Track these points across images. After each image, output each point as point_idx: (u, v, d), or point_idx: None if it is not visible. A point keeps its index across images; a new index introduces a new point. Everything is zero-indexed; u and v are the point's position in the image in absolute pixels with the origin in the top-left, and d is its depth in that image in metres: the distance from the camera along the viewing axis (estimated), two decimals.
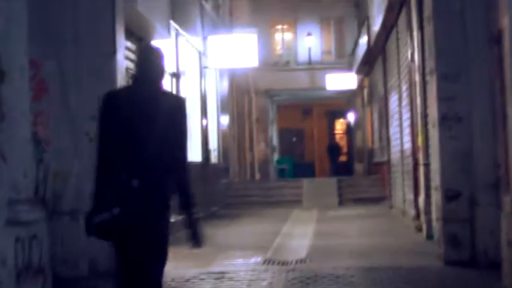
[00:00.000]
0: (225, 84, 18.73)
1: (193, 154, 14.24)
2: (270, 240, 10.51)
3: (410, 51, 11.12)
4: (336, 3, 29.68)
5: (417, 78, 10.21)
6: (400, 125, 13.07)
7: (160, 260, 3.93)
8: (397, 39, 12.90)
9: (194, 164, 14.03)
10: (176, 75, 12.67)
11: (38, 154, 7.02)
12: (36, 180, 6.96)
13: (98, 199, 3.83)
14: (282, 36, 30.70)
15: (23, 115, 6.17)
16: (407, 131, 12.17)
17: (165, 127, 3.84)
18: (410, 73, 11.39)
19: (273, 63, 29.48)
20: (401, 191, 13.25)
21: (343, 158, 32.12)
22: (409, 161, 11.89)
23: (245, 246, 10.07)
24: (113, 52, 7.52)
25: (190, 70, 14.27)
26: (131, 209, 3.71)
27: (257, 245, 10.13)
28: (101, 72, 7.51)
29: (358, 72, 21.72)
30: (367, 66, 19.50)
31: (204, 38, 15.08)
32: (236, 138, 21.56)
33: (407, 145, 12.13)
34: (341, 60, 29.07)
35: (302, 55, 30.08)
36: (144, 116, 3.80)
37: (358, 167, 27.33)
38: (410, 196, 12.04)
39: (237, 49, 15.29)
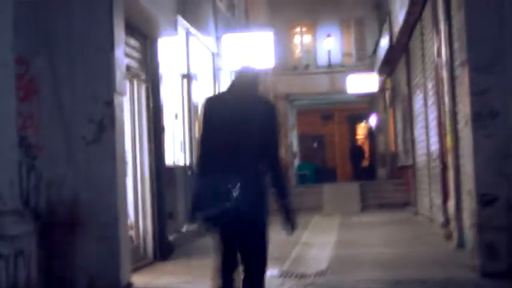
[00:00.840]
0: None
1: None
2: (287, 250, 9.79)
3: (436, 45, 10.37)
4: (356, 4, 28.91)
5: (445, 73, 9.44)
6: (426, 125, 12.29)
7: (264, 240, 4.57)
8: (422, 34, 12.13)
9: None
10: (188, 77, 12.00)
11: (28, 161, 6.38)
12: (27, 189, 6.31)
13: (201, 195, 4.40)
14: (301, 38, 30.05)
15: (7, 118, 5.54)
16: (434, 131, 11.39)
17: (261, 130, 4.39)
18: (436, 69, 10.62)
19: (292, 67, 28.81)
20: (428, 196, 12.46)
21: (365, 163, 31.35)
22: (437, 163, 11.11)
23: None
24: (111, 48, 6.87)
25: (203, 72, 13.61)
26: (236, 203, 4.26)
27: (273, 255, 9.27)
28: (97, 70, 6.87)
29: (380, 72, 20.93)
30: (389, 66, 18.70)
31: (218, 39, 14.40)
32: None
33: (434, 147, 11.35)
34: (362, 62, 28.33)
35: (322, 58, 29.32)
36: (242, 120, 4.36)
37: (381, 172, 26.51)
38: (438, 201, 11.25)
39: (253, 49, 14.58)
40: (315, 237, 11.61)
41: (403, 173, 17.59)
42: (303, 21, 29.81)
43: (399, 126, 18.23)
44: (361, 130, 34.50)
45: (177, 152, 11.39)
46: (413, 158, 14.76)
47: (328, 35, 28.65)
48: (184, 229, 10.83)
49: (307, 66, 29.16)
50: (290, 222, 4.72)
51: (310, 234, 11.98)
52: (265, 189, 4.49)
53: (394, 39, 14.67)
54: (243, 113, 4.42)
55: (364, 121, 33.16)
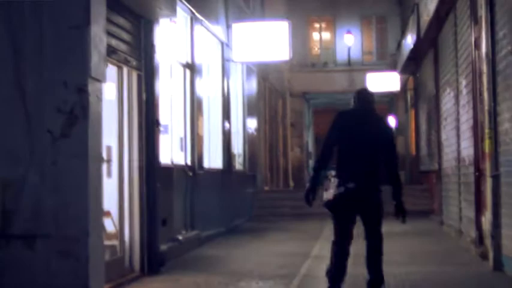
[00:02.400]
0: (253, 83, 16.82)
1: (212, 160, 12.34)
2: (297, 265, 8.57)
3: (474, 36, 9.06)
4: (378, 0, 27.66)
5: (484, 68, 8.13)
6: (457, 127, 10.97)
7: (379, 213, 6.21)
8: (455, 25, 10.80)
9: (212, 171, 12.13)
10: (191, 67, 10.76)
11: None
12: None
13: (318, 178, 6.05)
14: (319, 35, 28.90)
15: None
16: (467, 134, 10.07)
17: (380, 139, 6.01)
18: (473, 63, 9.31)
19: (310, 64, 27.66)
20: (457, 207, 11.13)
21: None
22: (470, 171, 9.80)
23: (265, 273, 8.11)
24: (86, 23, 5.65)
25: (210, 63, 12.38)
26: (359, 186, 5.90)
27: (280, 271, 8.19)
28: (69, 50, 5.66)
29: (403, 70, 19.59)
30: (413, 64, 17.36)
31: (228, 27, 13.16)
32: (267, 144, 19.71)
33: (467, 152, 10.03)
34: (383, 61, 27.17)
35: (341, 55, 28.19)
36: (366, 131, 5.98)
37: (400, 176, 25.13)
38: (469, 214, 9.95)
39: (267, 40, 13.31)
40: (328, 249, 10.30)
41: (425, 178, 16.23)
42: (322, 16, 28.71)
43: (423, 128, 16.88)
44: None
45: (176, 150, 10.17)
46: (439, 163, 13.43)
47: (348, 32, 27.40)
48: (181, 237, 9.61)
49: (325, 64, 28.03)
50: (402, 213, 6.17)
51: (322, 246, 10.68)
52: (380, 182, 6.04)
53: (422, 33, 13.32)
54: (367, 126, 5.99)
55: None
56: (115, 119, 7.51)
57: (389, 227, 13.68)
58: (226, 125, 13.25)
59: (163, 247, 8.66)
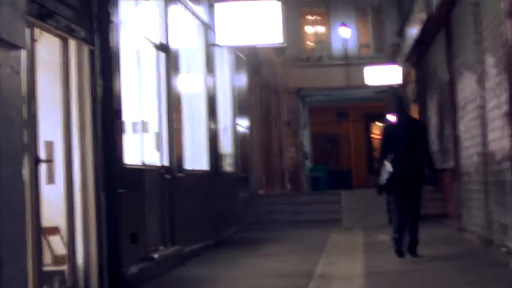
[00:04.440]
0: (243, 78, 15.11)
1: (195, 161, 10.61)
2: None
3: (506, 2, 7.38)
4: None
5: None
6: (482, 116, 9.27)
7: (421, 195, 8.72)
8: None
9: (196, 174, 10.40)
10: (165, 49, 9.02)
11: None
12: None
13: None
14: (313, 28, 27.38)
15: None
16: (497, 123, 8.37)
17: (417, 137, 8.73)
18: (505, 36, 7.62)
19: (304, 59, 26.16)
20: (483, 210, 9.42)
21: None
22: (502, 167, 8.10)
23: None
24: None
25: (190, 48, 10.67)
26: (409, 176, 8.54)
27: None
28: None
29: (407, 60, 17.91)
30: (418, 52, 15.69)
31: (211, 7, 11.43)
32: (261, 143, 18.07)
33: (498, 144, 8.32)
34: (380, 54, 25.59)
35: (336, 49, 26.69)
36: (408, 133, 8.66)
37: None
38: (502, 219, 8.25)
39: (256, 22, 11.57)
40: (335, 265, 8.60)
41: (437, 177, 14.47)
42: (315, 8, 27.25)
43: (433, 121, 15.18)
44: (379, 130, 32.14)
45: (149, 149, 8.45)
46: (456, 160, 11.73)
47: (343, 24, 25.88)
48: (157, 255, 7.87)
49: (320, 58, 26.52)
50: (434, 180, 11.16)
51: (328, 261, 8.96)
52: (423, 168, 8.72)
53: (433, 8, 11.61)
54: (407, 129, 8.73)
55: (382, 120, 30.61)
56: (58, 106, 5.78)
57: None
58: (211, 122, 11.51)
59: (132, 269, 6.95)
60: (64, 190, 5.87)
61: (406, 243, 8.56)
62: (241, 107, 14.45)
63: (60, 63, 5.88)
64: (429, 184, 9.14)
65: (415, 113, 19.36)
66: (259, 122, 18.05)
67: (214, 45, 11.60)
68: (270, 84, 20.64)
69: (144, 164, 7.95)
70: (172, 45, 9.25)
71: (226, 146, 13.07)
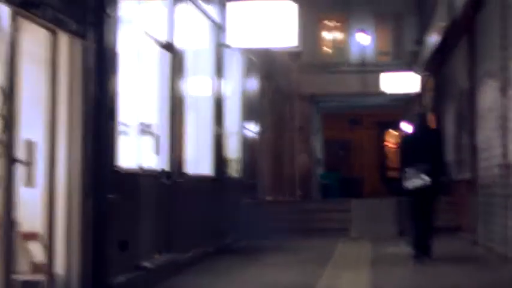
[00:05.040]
0: (254, 80, 14.65)
1: (199, 165, 10.16)
2: None
3: None
4: None
5: None
6: (503, 126, 8.74)
7: (436, 199, 9.61)
8: None
9: (198, 179, 9.95)
10: (170, 49, 8.58)
11: None
12: None
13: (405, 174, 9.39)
14: (330, 33, 27.17)
15: None
16: None
17: (433, 145, 9.45)
18: None
19: (320, 65, 25.71)
20: (502, 225, 8.89)
21: (393, 174, 28.06)
22: None
23: None
24: None
25: (199, 48, 10.23)
26: (426, 180, 9.26)
27: None
28: None
29: (427, 67, 17.36)
30: (439, 59, 15.15)
31: (222, 7, 10.98)
32: (272, 149, 17.60)
33: None
34: (398, 61, 25.12)
35: (354, 56, 26.37)
36: (424, 141, 9.43)
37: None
38: None
39: (270, 23, 11.07)
40: (339, 280, 8.09)
41: (451, 189, 13.93)
42: (333, 14, 26.93)
43: (450, 130, 14.62)
44: (392, 138, 31.23)
45: (148, 151, 8.01)
46: (474, 171, 11.19)
47: (362, 30, 25.58)
48: (149, 264, 7.41)
49: (336, 65, 26.05)
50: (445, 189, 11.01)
51: (331, 275, 8.45)
52: (439, 174, 9.41)
53: (458, 12, 11.05)
54: (424, 138, 9.51)
55: (396, 129, 30.14)
56: (42, 103, 5.35)
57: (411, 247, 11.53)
58: (217, 126, 11.05)
59: (120, 279, 6.50)
60: (45, 194, 5.43)
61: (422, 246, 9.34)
62: (251, 112, 13.99)
63: (48, 57, 5.45)
64: (442, 194, 9.74)
65: (432, 122, 18.88)
66: (270, 128, 17.60)
67: (224, 46, 11.13)
68: (283, 89, 20.20)
69: (140, 168, 7.50)
70: (179, 45, 8.80)
71: (233, 151, 12.61)
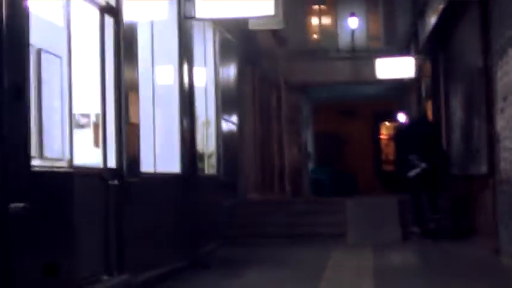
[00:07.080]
0: (234, 66, 12.86)
1: (162, 161, 8.36)
2: None
3: None
4: None
5: None
6: None
7: (438, 184, 10.90)
8: None
9: (160, 177, 8.17)
10: (114, 13, 6.76)
11: None
12: None
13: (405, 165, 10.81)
14: (319, 18, 25.88)
15: None
16: None
17: (431, 136, 10.69)
18: None
19: (309, 52, 24.25)
20: None
21: (389, 168, 26.86)
22: None
23: None
24: None
25: (156, 20, 8.42)
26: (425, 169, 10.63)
27: None
28: None
29: (425, 48, 15.66)
30: (440, 39, 13.41)
31: None
32: (257, 142, 15.97)
33: None
34: (391, 47, 23.57)
35: (344, 42, 24.82)
36: (420, 130, 10.65)
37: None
38: None
39: None
40: None
41: (461, 185, 12.15)
42: None
43: (456, 117, 12.85)
44: (387, 130, 29.97)
45: (85, 145, 6.23)
46: (492, 164, 9.45)
47: (352, 14, 24.16)
48: None
49: (326, 51, 24.45)
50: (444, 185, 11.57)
51: None
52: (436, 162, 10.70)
53: None
54: (422, 130, 10.70)
55: (392, 120, 28.88)
56: None
57: (418, 256, 9.84)
58: (186, 116, 9.25)
59: None
60: None
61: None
62: (230, 101, 12.21)
63: None
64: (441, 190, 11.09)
65: (428, 110, 17.36)
66: (254, 118, 15.95)
67: (191, 18, 9.30)
68: (269, 77, 18.66)
69: (72, 166, 5.69)
70: (127, 11, 7.00)
71: (208, 145, 10.83)
